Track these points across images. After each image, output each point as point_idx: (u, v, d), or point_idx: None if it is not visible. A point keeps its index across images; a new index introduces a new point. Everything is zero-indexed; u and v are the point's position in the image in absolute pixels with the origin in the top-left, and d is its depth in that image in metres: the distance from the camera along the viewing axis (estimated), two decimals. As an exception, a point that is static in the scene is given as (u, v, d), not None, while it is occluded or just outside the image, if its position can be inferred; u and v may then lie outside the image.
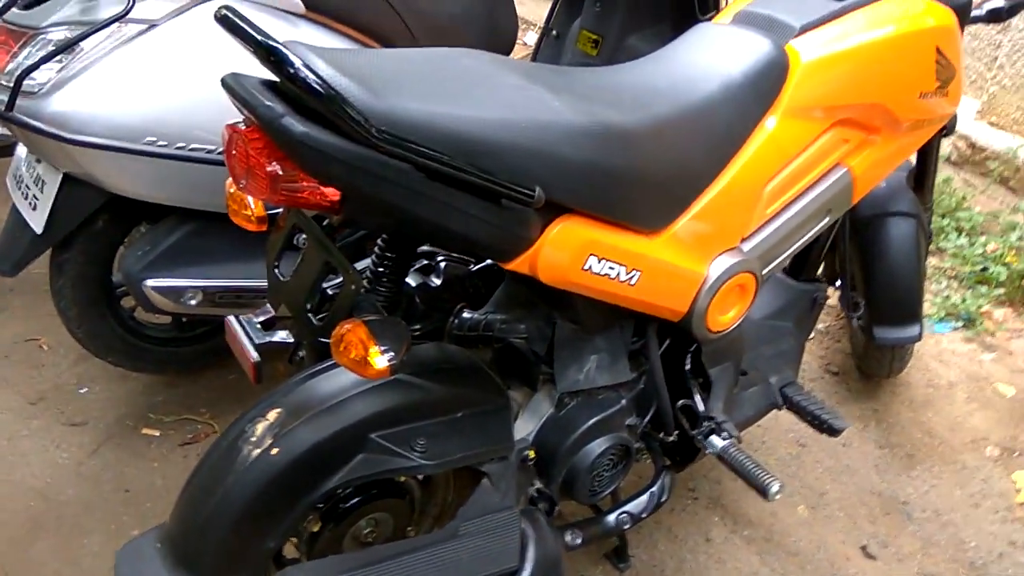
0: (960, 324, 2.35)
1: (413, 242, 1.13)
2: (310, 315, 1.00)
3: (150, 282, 1.46)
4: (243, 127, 0.86)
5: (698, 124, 1.10)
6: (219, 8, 0.79)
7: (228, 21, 0.78)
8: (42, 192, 1.43)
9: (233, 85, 0.83)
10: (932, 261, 2.58)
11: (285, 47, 0.77)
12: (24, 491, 1.66)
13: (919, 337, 1.85)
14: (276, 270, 1.06)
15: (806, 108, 1.21)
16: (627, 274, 1.06)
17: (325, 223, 1.02)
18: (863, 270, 1.84)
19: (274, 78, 0.80)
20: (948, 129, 1.65)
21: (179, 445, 1.77)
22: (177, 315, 1.73)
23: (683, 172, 1.09)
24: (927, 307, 2.39)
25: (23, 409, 1.84)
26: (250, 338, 1.10)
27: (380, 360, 0.89)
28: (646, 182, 1.03)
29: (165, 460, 1.73)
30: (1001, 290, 2.44)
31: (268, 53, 0.76)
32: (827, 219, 1.34)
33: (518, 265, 0.98)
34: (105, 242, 1.58)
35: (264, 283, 1.20)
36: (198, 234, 1.49)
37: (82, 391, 1.89)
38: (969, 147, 3.05)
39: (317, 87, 0.76)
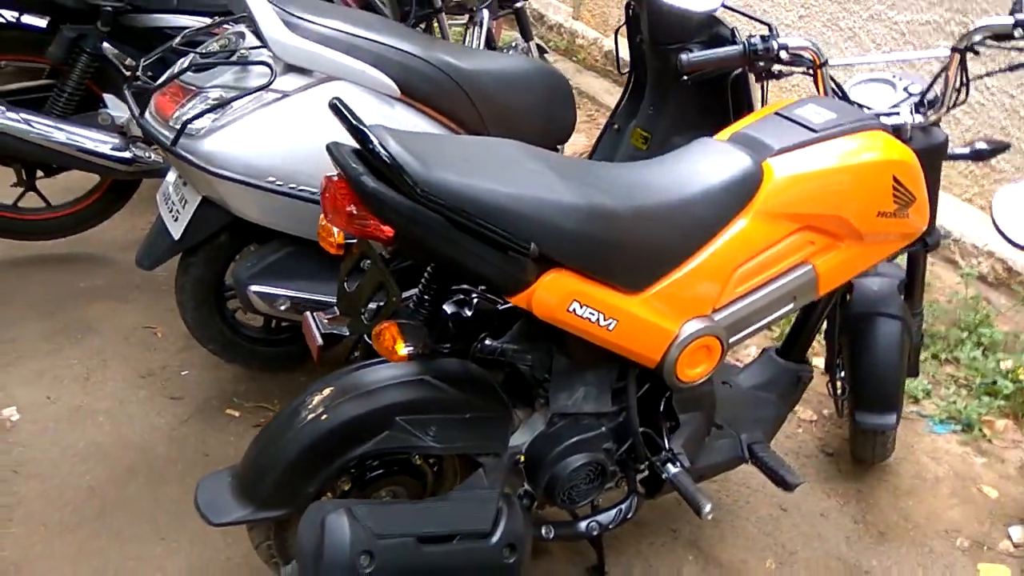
0: (959, 428, 2.52)
1: (451, 278, 1.48)
2: (363, 317, 1.36)
3: (253, 288, 1.87)
4: (336, 179, 1.24)
5: (675, 215, 1.42)
6: (332, 98, 1.18)
7: (336, 107, 1.17)
8: (183, 208, 1.87)
9: (332, 150, 1.22)
10: (947, 370, 2.77)
11: (370, 130, 1.15)
12: (126, 444, 2.06)
13: (895, 425, 2.07)
14: (344, 283, 1.43)
15: (775, 213, 1.51)
16: (605, 320, 1.38)
17: (384, 254, 1.39)
18: (851, 360, 2.08)
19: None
20: (929, 245, 1.91)
21: (252, 427, 2.14)
22: (268, 319, 2.15)
23: (658, 250, 1.41)
24: (931, 409, 2.58)
25: (134, 380, 2.27)
26: (318, 328, 1.48)
27: (403, 350, 1.24)
28: (624, 253, 1.36)
29: (240, 436, 2.11)
30: (1006, 402, 2.60)
31: (357, 133, 1.15)
32: (792, 305, 1.62)
33: (517, 300, 1.32)
34: (222, 254, 2.00)
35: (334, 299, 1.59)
36: (294, 255, 1.90)
37: (183, 373, 2.31)
38: (1005, 270, 3.22)
39: (385, 159, 1.13)
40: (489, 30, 3.27)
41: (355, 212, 1.21)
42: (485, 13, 3.25)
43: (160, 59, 1.96)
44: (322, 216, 1.47)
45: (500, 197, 1.22)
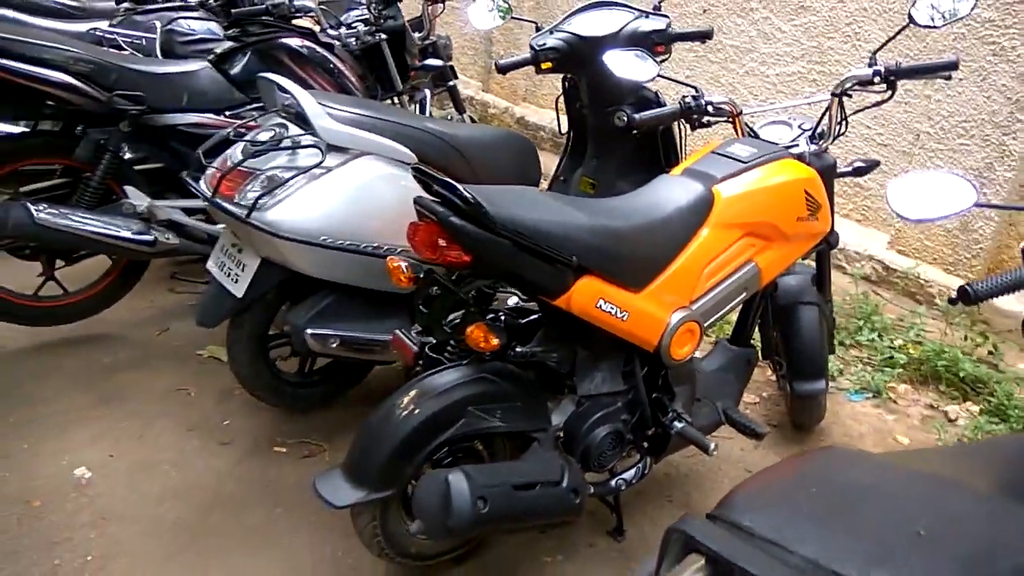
0: (871, 395, 3.10)
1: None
2: (445, 327, 1.76)
3: (309, 331, 2.22)
4: (423, 223, 1.66)
5: (659, 230, 1.90)
6: (413, 165, 1.61)
7: (419, 171, 1.61)
8: (242, 271, 2.21)
9: (420, 201, 1.65)
10: (852, 352, 3.37)
11: (457, 185, 1.58)
12: (195, 485, 2.34)
13: (825, 390, 2.60)
14: (420, 307, 1.84)
15: (726, 224, 2.02)
16: (620, 313, 1.84)
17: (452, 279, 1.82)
18: (784, 342, 2.61)
19: (445, 194, 1.62)
20: (831, 244, 2.47)
21: (300, 458, 2.47)
22: (303, 364, 2.50)
23: (651, 257, 1.89)
24: (846, 383, 3.16)
25: (183, 434, 2.55)
26: (410, 340, 1.87)
27: (494, 340, 1.67)
28: (630, 261, 1.83)
29: (293, 467, 2.43)
30: (903, 371, 3.21)
31: (444, 185, 1.58)
32: (745, 294, 2.13)
33: (560, 302, 1.76)
34: (269, 310, 2.35)
35: (380, 336, 2.02)
36: (338, 302, 2.27)
37: (225, 423, 2.60)
38: (884, 269, 3.90)
39: (470, 201, 1.57)
40: (423, 103, 3.74)
41: (443, 244, 1.64)
42: (427, 92, 3.74)
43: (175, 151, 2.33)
44: (390, 260, 1.90)
45: (548, 225, 1.68)
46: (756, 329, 2.48)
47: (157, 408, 2.64)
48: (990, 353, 3.28)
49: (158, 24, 3.31)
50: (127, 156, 2.78)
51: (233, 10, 3.45)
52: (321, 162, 2.09)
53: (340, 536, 2.15)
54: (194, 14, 3.67)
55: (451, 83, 4.00)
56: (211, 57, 2.88)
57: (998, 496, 1.08)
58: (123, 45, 3.30)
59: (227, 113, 2.83)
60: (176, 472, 2.38)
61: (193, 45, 3.32)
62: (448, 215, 1.60)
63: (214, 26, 3.56)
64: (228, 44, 2.94)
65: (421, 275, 1.87)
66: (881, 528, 0.87)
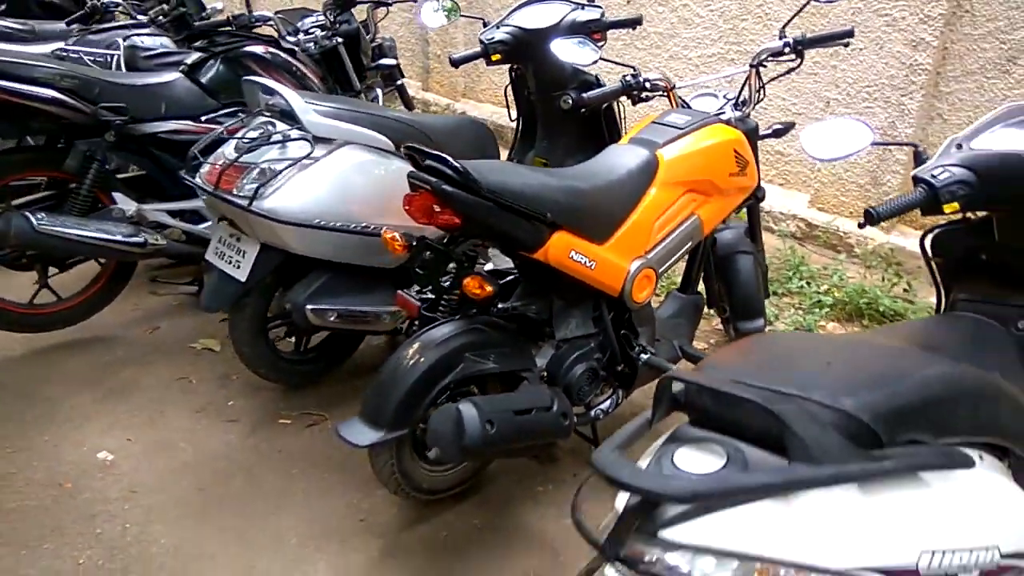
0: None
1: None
2: (442, 283, 2.04)
3: (309, 306, 2.46)
4: (417, 194, 1.93)
5: (615, 189, 2.21)
6: (405, 145, 1.88)
7: (411, 150, 1.88)
8: (243, 257, 2.44)
9: (414, 175, 1.92)
10: (785, 300, 3.76)
11: (448, 158, 1.86)
12: (212, 457, 2.55)
13: (764, 327, 2.96)
14: (416, 270, 2.11)
15: (669, 183, 2.33)
16: (589, 262, 2.14)
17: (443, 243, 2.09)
18: (726, 287, 2.96)
19: (435, 167, 1.89)
20: (759, 197, 2.83)
21: (305, 427, 2.70)
22: (299, 342, 2.74)
23: (611, 212, 2.20)
24: (782, 326, 3.53)
25: (192, 416, 2.75)
26: (413, 298, 2.14)
27: (489, 288, 1.95)
28: (592, 216, 2.13)
29: (299, 435, 2.66)
30: (830, 310, 3.61)
31: (437, 159, 1.85)
32: (691, 243, 2.45)
33: (539, 255, 2.04)
34: (267, 293, 2.58)
35: (371, 308, 2.31)
36: (332, 279, 2.51)
37: (230, 403, 2.82)
38: (807, 226, 4.31)
39: (460, 170, 1.85)
40: (375, 101, 3.99)
41: (438, 209, 1.91)
42: (378, 91, 4.00)
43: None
44: (385, 232, 2.16)
45: (525, 187, 1.97)
46: (701, 281, 2.82)
47: (163, 397, 2.84)
48: (905, 290, 3.70)
49: (121, 41, 3.47)
50: (112, 165, 2.95)
51: (185, 26, 3.66)
52: (311, 152, 2.34)
53: (354, 489, 2.40)
54: (146, 31, 3.83)
55: (399, 81, 4.26)
56: (183, 67, 3.08)
57: (902, 347, 1.42)
58: (88, 63, 3.46)
59: (202, 118, 3.03)
60: (192, 448, 2.59)
61: (155, 59, 3.49)
62: (440, 184, 1.88)
63: (166, 41, 3.74)
64: (197, 55, 3.14)
65: (414, 243, 2.14)
66: (807, 365, 1.20)
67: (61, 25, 4.16)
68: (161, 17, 3.97)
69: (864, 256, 3.97)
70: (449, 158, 1.86)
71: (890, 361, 1.26)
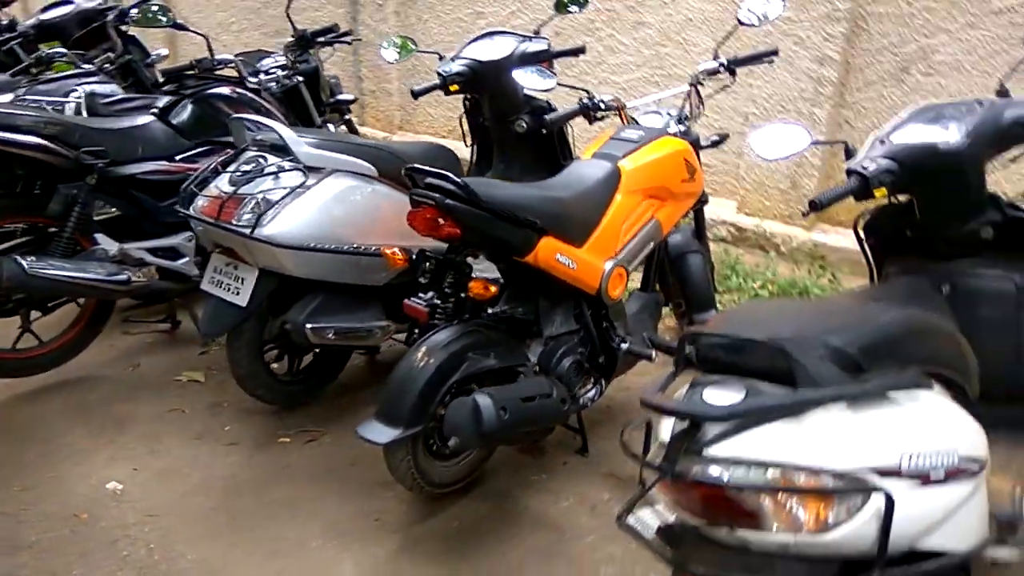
0: (747, 325, 3.81)
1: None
2: (446, 290, 2.24)
3: (309, 325, 2.62)
4: (420, 208, 2.14)
5: (588, 197, 2.47)
6: (406, 167, 2.10)
7: (412, 170, 2.10)
8: (242, 284, 2.58)
9: (416, 194, 2.13)
10: (726, 296, 4.09)
11: (449, 175, 2.08)
12: (219, 478, 2.66)
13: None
14: (420, 280, 2.31)
15: (632, 190, 2.61)
16: (571, 263, 2.38)
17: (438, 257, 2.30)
18: (680, 284, 3.25)
19: (435, 183, 2.11)
20: (704, 201, 3.14)
21: (305, 443, 2.83)
22: (292, 364, 2.88)
23: (586, 218, 2.45)
24: (727, 320, 3.85)
25: (192, 443, 2.84)
26: (421, 303, 2.34)
27: (492, 288, 2.17)
28: (572, 221, 2.38)
29: (300, 451, 2.79)
30: (767, 304, 3.96)
31: (440, 176, 2.07)
32: (652, 244, 2.74)
33: (529, 258, 2.28)
34: (262, 318, 2.72)
35: (363, 324, 2.52)
36: (327, 299, 2.68)
37: (226, 428, 2.92)
38: (736, 230, 4.69)
39: (462, 185, 2.07)
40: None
41: (441, 222, 2.12)
42: (330, 125, 4.19)
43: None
44: (384, 248, 2.36)
45: (515, 198, 2.21)
46: (657, 282, 3.10)
47: (158, 428, 2.92)
48: (830, 280, 4.10)
49: (81, 89, 3.55)
50: (92, 207, 3.03)
51: (131, 73, 3.79)
52: (304, 181, 2.52)
53: (363, 494, 2.55)
54: (95, 79, 3.91)
55: (347, 116, 4.45)
56: (154, 110, 3.20)
57: (861, 302, 1.72)
58: (48, 110, 3.52)
59: (177, 158, 3.15)
60: (198, 473, 2.68)
61: (115, 105, 3.58)
62: (443, 198, 2.09)
63: (116, 87, 3.83)
64: (166, 98, 3.26)
65: (414, 256, 2.34)
66: (794, 318, 1.48)
67: (5, 77, 4.19)
68: (108, 65, 4.07)
69: (791, 253, 4.36)
70: (450, 175, 2.08)
71: (858, 311, 1.55)
